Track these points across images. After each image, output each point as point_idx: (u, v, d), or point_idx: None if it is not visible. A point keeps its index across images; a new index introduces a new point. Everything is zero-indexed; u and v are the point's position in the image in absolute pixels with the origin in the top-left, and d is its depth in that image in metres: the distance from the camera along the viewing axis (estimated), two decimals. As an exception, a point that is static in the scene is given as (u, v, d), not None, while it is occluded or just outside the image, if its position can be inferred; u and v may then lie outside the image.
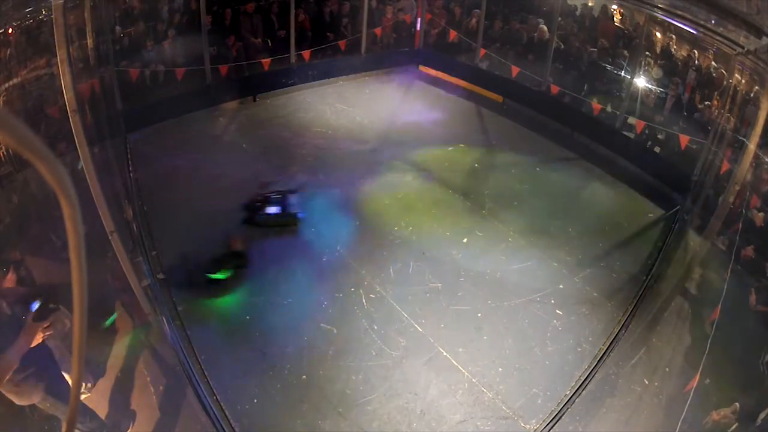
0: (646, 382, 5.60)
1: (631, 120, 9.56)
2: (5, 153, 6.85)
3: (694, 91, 9.09)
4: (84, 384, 4.64)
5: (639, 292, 6.74)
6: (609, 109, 9.81)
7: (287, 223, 7.41)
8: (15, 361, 3.30)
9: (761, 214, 6.78)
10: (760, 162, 7.07)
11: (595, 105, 9.87)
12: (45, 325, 3.39)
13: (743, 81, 7.59)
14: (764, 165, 7.08)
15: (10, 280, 4.08)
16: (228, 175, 8.41)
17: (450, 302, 6.41)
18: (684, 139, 8.56)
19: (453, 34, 12.04)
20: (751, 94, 7.63)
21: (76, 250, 0.74)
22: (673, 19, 8.53)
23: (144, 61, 9.59)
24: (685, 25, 8.33)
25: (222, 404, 5.05)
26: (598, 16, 11.04)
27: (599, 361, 5.77)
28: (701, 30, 7.87)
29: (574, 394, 5.39)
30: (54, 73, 7.34)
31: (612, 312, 6.46)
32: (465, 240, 7.43)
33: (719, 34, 7.53)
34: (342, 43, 11.73)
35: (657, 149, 9.30)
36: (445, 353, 5.75)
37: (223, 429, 4.83)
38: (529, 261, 7.13)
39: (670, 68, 9.54)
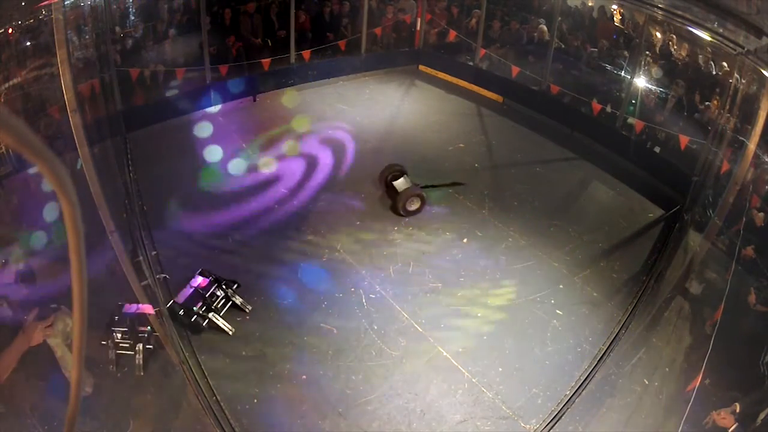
0: (646, 382, 5.60)
1: (631, 120, 9.55)
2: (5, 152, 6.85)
3: (693, 91, 9.08)
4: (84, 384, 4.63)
5: (639, 292, 6.74)
6: (609, 109, 9.81)
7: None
8: (14, 361, 3.30)
9: (761, 214, 6.77)
10: (760, 162, 7.06)
11: (595, 105, 9.87)
12: (45, 326, 3.38)
13: (743, 81, 7.59)
14: (764, 165, 7.07)
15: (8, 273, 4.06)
16: (227, 175, 8.42)
17: (450, 302, 6.41)
18: (684, 139, 8.55)
19: (453, 34, 12.04)
20: (752, 95, 7.62)
21: (76, 250, 0.74)
22: (673, 19, 8.51)
23: (144, 61, 9.59)
24: (685, 25, 8.32)
25: (222, 404, 5.05)
26: (597, 16, 11.03)
27: (599, 361, 5.77)
28: (701, 30, 7.86)
29: (574, 394, 5.39)
30: (54, 73, 7.34)
31: (612, 312, 6.46)
32: (465, 240, 7.43)
33: (719, 34, 7.52)
34: (342, 43, 11.73)
35: (657, 149, 9.30)
36: (445, 353, 5.75)
37: (223, 429, 4.83)
38: (529, 261, 7.13)
39: (670, 68, 9.53)
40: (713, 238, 7.27)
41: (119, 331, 5.14)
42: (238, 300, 6.11)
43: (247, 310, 6.09)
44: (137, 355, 5.16)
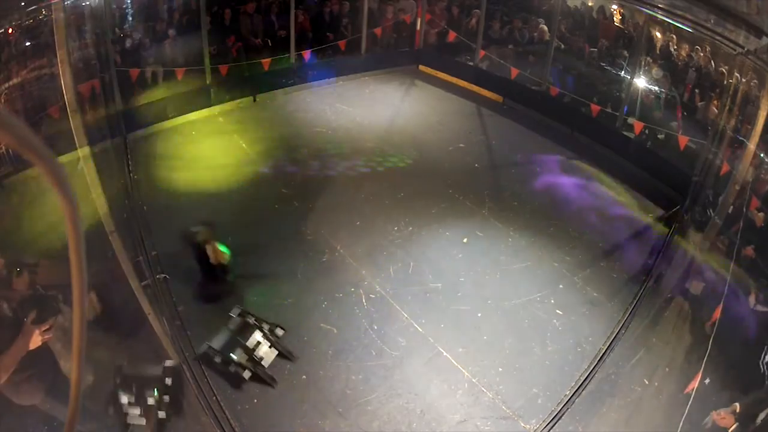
0: (646, 382, 5.60)
1: (631, 120, 9.55)
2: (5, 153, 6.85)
3: (693, 91, 9.09)
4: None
5: (639, 292, 6.74)
6: (609, 109, 9.80)
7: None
8: (13, 363, 3.30)
9: (761, 214, 6.78)
10: (761, 162, 7.07)
11: (594, 106, 9.86)
12: (44, 329, 3.37)
13: (743, 81, 7.59)
14: (764, 165, 7.08)
15: (22, 282, 4.04)
16: (227, 175, 8.42)
17: (450, 302, 6.41)
18: (683, 140, 8.56)
19: (453, 35, 12.03)
20: (751, 94, 7.62)
21: (76, 250, 0.74)
22: (673, 19, 8.52)
23: (144, 61, 9.59)
24: (685, 25, 8.32)
25: (222, 404, 5.05)
26: (597, 17, 11.04)
27: (599, 361, 5.76)
28: (701, 30, 7.86)
29: (574, 394, 5.39)
30: (54, 73, 7.35)
31: (612, 312, 6.46)
32: (465, 240, 7.43)
33: (719, 34, 7.52)
34: (342, 44, 11.73)
35: (657, 149, 9.29)
36: (445, 353, 5.75)
37: (223, 429, 4.83)
38: (529, 261, 7.13)
39: (670, 68, 9.53)
40: (713, 238, 7.27)
41: (127, 397, 4.48)
42: (283, 348, 5.53)
43: (293, 360, 5.52)
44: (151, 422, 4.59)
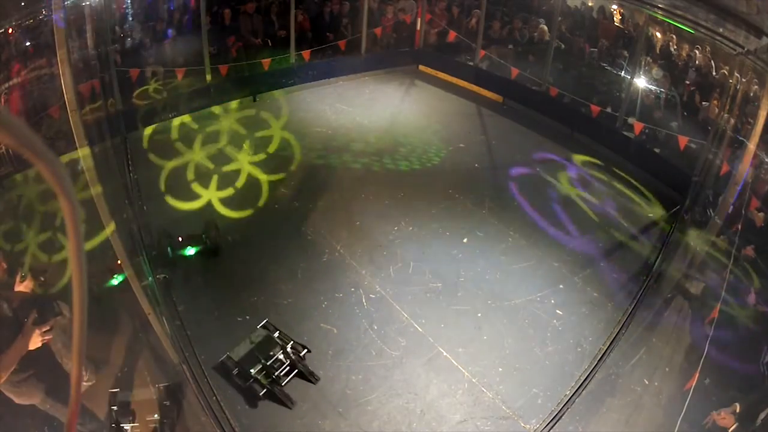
0: (646, 382, 5.60)
1: (631, 120, 9.55)
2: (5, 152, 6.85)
3: (693, 91, 9.09)
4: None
5: (639, 292, 6.74)
6: (609, 110, 9.80)
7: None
8: (12, 363, 3.30)
9: (761, 214, 6.77)
10: (761, 162, 7.06)
11: (594, 107, 9.86)
12: (44, 329, 3.37)
13: (743, 80, 7.59)
14: (764, 165, 7.08)
15: (26, 285, 4.04)
16: (227, 175, 8.43)
17: (450, 302, 6.41)
18: (683, 140, 8.56)
19: (453, 35, 12.03)
20: (752, 95, 7.62)
21: (76, 250, 0.74)
22: (673, 19, 8.52)
23: (144, 61, 9.59)
24: (685, 25, 8.32)
25: (222, 404, 5.05)
26: (597, 17, 11.04)
27: (599, 361, 5.77)
28: (701, 30, 7.87)
29: (574, 394, 5.39)
30: (54, 73, 7.35)
31: (612, 312, 6.46)
32: (465, 240, 7.43)
33: (719, 34, 7.52)
34: (342, 43, 11.72)
35: (657, 149, 9.30)
36: (445, 353, 5.75)
37: (223, 429, 4.83)
38: (529, 261, 7.13)
39: (670, 68, 9.53)
40: (713, 238, 7.27)
41: (128, 425, 4.40)
42: (305, 369, 5.32)
43: (314, 381, 5.30)
44: None
